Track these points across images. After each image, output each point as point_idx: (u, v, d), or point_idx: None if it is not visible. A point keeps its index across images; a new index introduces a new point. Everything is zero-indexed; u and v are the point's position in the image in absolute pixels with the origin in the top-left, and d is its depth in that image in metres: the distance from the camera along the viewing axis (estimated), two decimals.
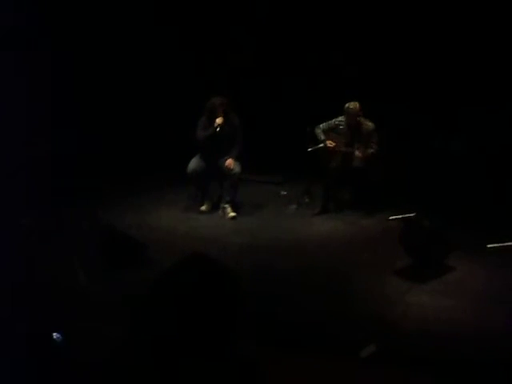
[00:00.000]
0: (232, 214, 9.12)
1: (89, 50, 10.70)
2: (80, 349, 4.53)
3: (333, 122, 9.31)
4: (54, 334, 4.55)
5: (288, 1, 10.90)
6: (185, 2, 11.04)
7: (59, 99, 10.31)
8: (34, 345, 4.54)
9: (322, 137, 9.28)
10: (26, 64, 9.92)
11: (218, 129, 8.94)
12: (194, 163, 9.17)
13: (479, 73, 9.47)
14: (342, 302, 6.48)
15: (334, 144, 9.17)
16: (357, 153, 8.97)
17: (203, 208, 9.32)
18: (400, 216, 8.75)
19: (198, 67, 11.11)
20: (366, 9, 10.28)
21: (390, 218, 8.86)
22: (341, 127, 9.23)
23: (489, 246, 7.78)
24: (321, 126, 9.35)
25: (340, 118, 9.23)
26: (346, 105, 9.05)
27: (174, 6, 10.98)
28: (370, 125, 9.07)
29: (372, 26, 10.23)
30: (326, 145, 9.20)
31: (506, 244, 7.79)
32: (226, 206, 9.18)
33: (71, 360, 4.41)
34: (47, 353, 4.50)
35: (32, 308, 5.74)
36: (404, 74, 10.01)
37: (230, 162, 9.03)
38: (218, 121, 8.96)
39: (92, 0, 10.66)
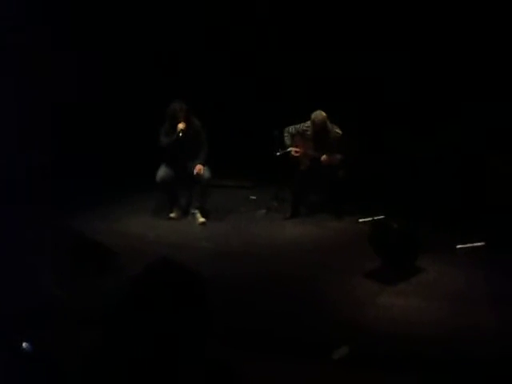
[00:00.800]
0: (201, 219, 9.09)
1: None
2: (52, 357, 4.47)
3: (300, 126, 9.30)
4: (24, 343, 4.49)
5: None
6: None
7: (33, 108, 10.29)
8: (3, 356, 4.48)
9: (289, 142, 9.27)
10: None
11: (180, 134, 8.91)
12: (162, 171, 9.13)
13: (448, 74, 9.52)
14: (314, 306, 6.46)
15: (299, 152, 9.16)
16: (323, 157, 8.98)
17: (172, 215, 9.28)
18: (370, 218, 8.78)
19: (163, 72, 11.08)
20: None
21: (360, 220, 8.89)
22: (308, 133, 9.23)
23: (458, 246, 7.82)
24: (289, 128, 9.34)
25: (308, 123, 9.22)
26: (313, 115, 9.04)
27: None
28: (338, 132, 9.07)
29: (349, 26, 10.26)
30: (290, 152, 9.20)
31: (475, 244, 7.84)
32: (196, 211, 9.16)
33: (43, 369, 4.35)
34: (16, 363, 4.44)
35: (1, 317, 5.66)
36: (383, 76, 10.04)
37: (199, 167, 9.00)
38: (180, 126, 8.94)
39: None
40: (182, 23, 11.10)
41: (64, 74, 10.52)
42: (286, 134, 9.32)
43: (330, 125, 9.04)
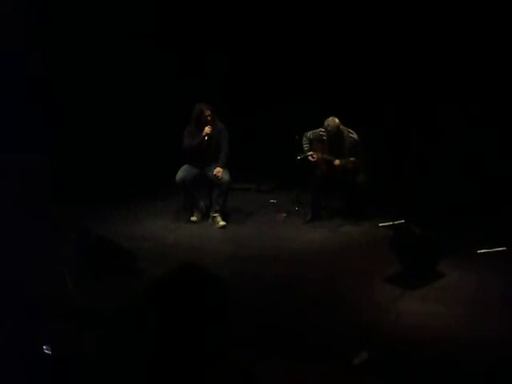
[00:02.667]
0: (222, 222, 9.09)
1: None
2: (71, 358, 4.48)
3: (318, 131, 9.27)
4: (45, 346, 4.50)
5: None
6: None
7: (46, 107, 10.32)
8: (26, 357, 4.50)
9: (307, 147, 9.26)
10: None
11: (206, 138, 8.93)
12: (182, 172, 9.13)
13: (470, 84, 9.49)
14: (334, 310, 6.45)
15: (316, 157, 9.14)
16: (336, 162, 8.96)
17: (193, 218, 9.28)
18: (390, 223, 8.75)
19: (184, 76, 11.09)
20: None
21: (380, 224, 8.85)
22: (324, 138, 9.20)
23: (479, 251, 7.78)
24: (308, 134, 9.32)
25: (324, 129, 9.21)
26: (325, 123, 9.02)
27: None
28: (353, 137, 9.04)
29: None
30: (308, 156, 9.18)
31: (496, 249, 7.80)
32: (216, 214, 9.15)
33: (63, 371, 4.37)
34: (39, 365, 4.46)
35: (22, 319, 5.69)
36: (394, 83, 10.03)
37: (218, 170, 9.00)
38: (207, 129, 8.95)
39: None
40: (206, 24, 11.12)
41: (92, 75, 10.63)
42: (304, 139, 9.30)
43: (345, 129, 9.01)
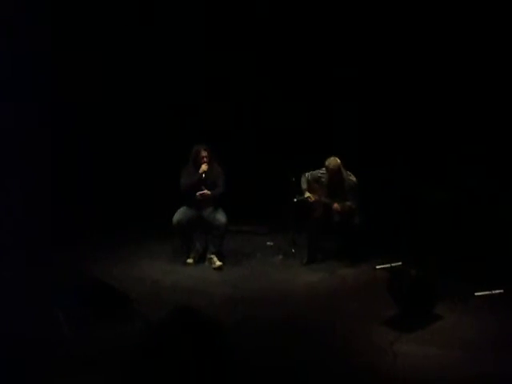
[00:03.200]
0: (218, 263, 9.09)
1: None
2: None
3: (316, 172, 9.29)
4: None
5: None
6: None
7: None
8: None
9: (305, 187, 9.28)
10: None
11: (203, 175, 8.97)
12: (179, 215, 9.15)
13: (461, 121, 9.53)
14: (330, 353, 6.42)
15: (313, 198, 9.15)
16: (335, 206, 8.96)
17: (189, 260, 9.29)
18: (387, 265, 8.74)
19: (181, 118, 11.15)
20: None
21: (377, 267, 8.85)
22: (323, 179, 9.22)
23: (476, 293, 7.77)
24: (306, 174, 9.35)
25: (323, 170, 9.21)
26: (327, 162, 9.02)
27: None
28: (352, 180, 9.06)
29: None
30: (306, 198, 9.19)
31: (494, 292, 7.78)
32: (212, 256, 9.16)
33: None
34: None
35: (15, 362, 5.66)
36: (387, 125, 10.07)
37: (206, 192, 9.04)
38: (204, 167, 9.02)
39: None
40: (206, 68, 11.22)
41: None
42: (303, 180, 9.33)
43: (344, 172, 9.03)
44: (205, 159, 9.07)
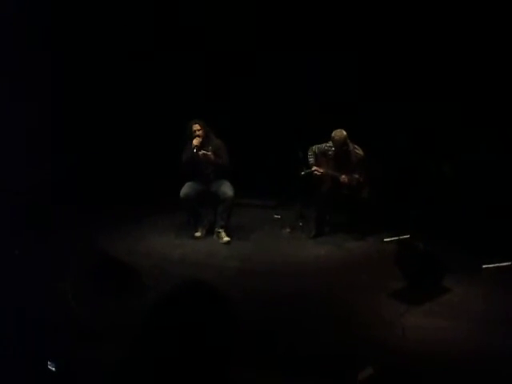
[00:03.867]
0: (226, 238, 9.09)
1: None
2: (74, 376, 4.47)
3: (323, 146, 9.26)
4: (49, 362, 4.49)
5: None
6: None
7: (54, 124, 10.34)
8: (30, 373, 4.49)
9: (312, 161, 9.25)
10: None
11: (195, 150, 8.95)
12: (186, 188, 9.15)
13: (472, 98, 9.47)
14: (339, 325, 6.43)
15: (321, 171, 9.12)
16: (342, 177, 8.93)
17: (197, 234, 9.30)
18: (395, 238, 8.73)
19: (192, 91, 11.12)
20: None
21: (385, 239, 8.84)
22: (330, 153, 9.18)
23: (484, 266, 7.76)
24: (313, 148, 9.31)
25: (329, 143, 9.16)
26: (333, 133, 8.98)
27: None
28: (359, 153, 9.01)
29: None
30: (313, 171, 9.16)
31: (502, 264, 7.78)
32: (220, 230, 9.16)
33: None
34: (43, 382, 4.46)
35: (25, 336, 5.68)
36: (394, 94, 10.01)
37: (208, 153, 9.03)
38: (194, 142, 9.02)
39: None
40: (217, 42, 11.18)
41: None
42: (310, 153, 9.30)
43: (351, 144, 8.99)
44: (197, 133, 9.05)
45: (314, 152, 9.29)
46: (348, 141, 8.95)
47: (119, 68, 10.99)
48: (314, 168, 9.14)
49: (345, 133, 8.91)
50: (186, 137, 9.16)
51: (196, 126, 9.08)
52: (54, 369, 4.45)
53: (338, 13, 10.31)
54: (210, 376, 2.22)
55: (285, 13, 10.67)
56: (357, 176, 8.86)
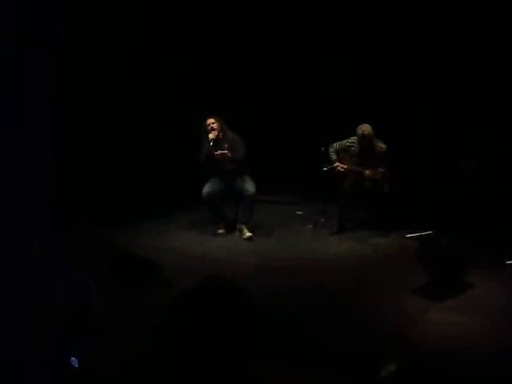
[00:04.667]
0: (248, 234, 9.11)
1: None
2: (95, 370, 4.49)
3: (345, 142, 9.22)
4: (72, 358, 4.51)
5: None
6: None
7: (68, 115, 10.35)
8: (51, 369, 4.51)
9: (334, 157, 9.22)
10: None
11: (211, 143, 8.97)
12: (207, 188, 9.18)
13: (486, 93, 9.43)
14: (361, 322, 6.42)
15: (344, 168, 9.10)
16: (367, 172, 8.89)
17: (220, 231, 9.33)
18: (417, 234, 8.70)
19: (210, 88, 11.14)
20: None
21: (408, 236, 8.81)
22: (352, 148, 9.13)
23: (507, 262, 7.72)
24: (334, 144, 9.29)
25: (352, 139, 9.13)
26: (360, 131, 8.91)
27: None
28: (382, 147, 8.95)
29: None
30: (336, 168, 9.13)
31: None
32: (242, 226, 9.18)
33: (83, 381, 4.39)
34: (65, 377, 4.48)
35: (46, 331, 5.71)
36: (415, 90, 9.99)
37: (225, 152, 9.04)
38: (211, 136, 9.05)
39: None
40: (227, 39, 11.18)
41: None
42: (331, 150, 9.27)
43: (374, 139, 8.96)
44: (212, 126, 9.09)
45: (336, 149, 9.27)
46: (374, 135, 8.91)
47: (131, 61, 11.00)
48: (337, 164, 9.12)
49: (371, 127, 8.86)
50: (202, 134, 9.18)
51: (210, 120, 9.11)
52: (76, 365, 4.47)
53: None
54: (228, 368, 2.23)
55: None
56: (381, 170, 8.81)
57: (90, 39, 10.34)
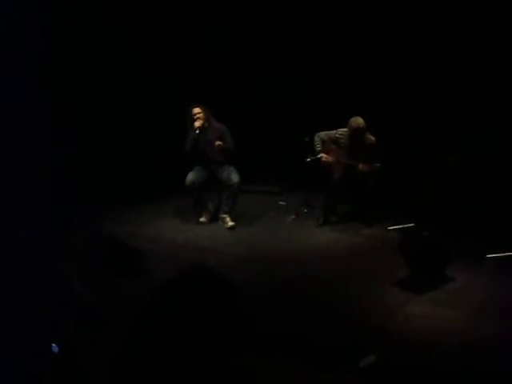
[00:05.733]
0: (231, 223, 9.12)
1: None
2: (79, 358, 4.50)
3: (333, 133, 9.16)
4: (53, 344, 4.52)
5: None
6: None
7: (57, 111, 10.34)
8: (33, 355, 4.52)
9: (319, 148, 9.18)
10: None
11: (197, 131, 9.00)
12: (191, 176, 9.16)
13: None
14: (342, 313, 6.46)
15: (327, 158, 9.09)
16: (361, 166, 8.85)
17: (202, 219, 9.32)
18: (399, 226, 8.74)
19: (195, 77, 11.14)
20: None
21: (390, 228, 8.85)
22: (342, 140, 9.10)
23: (488, 255, 7.77)
24: (321, 135, 9.22)
25: (341, 131, 9.10)
26: (354, 124, 8.85)
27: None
28: (372, 139, 8.91)
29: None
30: (320, 158, 9.12)
31: (506, 254, 7.78)
32: (225, 216, 9.19)
33: (67, 368, 4.40)
34: (46, 364, 4.49)
35: (30, 318, 5.71)
36: (400, 84, 10.03)
37: (219, 143, 9.07)
38: (196, 124, 9.08)
39: None
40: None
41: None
42: (316, 139, 9.20)
43: (366, 132, 8.93)
44: (197, 115, 9.10)
45: (322, 139, 9.21)
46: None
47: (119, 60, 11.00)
48: (323, 155, 9.10)
49: (363, 120, 8.82)
50: (187, 123, 9.18)
51: (196, 110, 9.13)
52: (57, 351, 4.48)
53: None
54: (213, 358, 2.25)
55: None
56: (377, 164, 8.78)
57: (81, 35, 10.41)
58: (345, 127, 9.04)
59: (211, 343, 2.24)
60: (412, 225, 8.65)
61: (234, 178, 9.09)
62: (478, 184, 8.84)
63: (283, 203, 10.20)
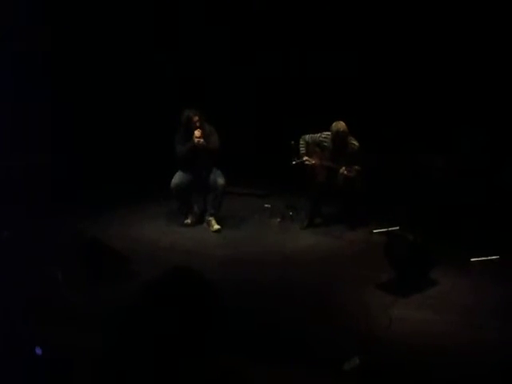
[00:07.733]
0: (216, 226, 9.10)
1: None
2: (62, 360, 4.48)
3: (317, 136, 9.17)
4: (36, 348, 4.50)
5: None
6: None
7: (43, 111, 10.33)
8: (16, 359, 4.50)
9: (303, 151, 9.18)
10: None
11: (197, 141, 8.92)
12: (177, 178, 9.13)
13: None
14: (326, 316, 6.46)
15: (312, 162, 9.09)
16: (342, 169, 8.84)
17: (187, 221, 9.30)
18: (384, 229, 8.76)
19: (179, 78, 11.12)
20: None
21: (374, 231, 8.86)
22: (325, 144, 9.11)
23: (472, 259, 7.80)
24: (306, 137, 9.22)
25: (325, 134, 9.09)
26: (335, 128, 8.84)
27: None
28: (355, 144, 8.90)
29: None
30: (303, 161, 9.12)
31: (490, 257, 7.81)
32: (211, 218, 9.17)
33: (51, 371, 4.38)
34: (32, 367, 4.47)
35: (13, 320, 5.69)
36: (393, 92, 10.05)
37: (201, 141, 8.99)
38: (197, 133, 8.95)
39: None
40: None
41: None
42: (301, 142, 9.19)
43: (348, 137, 8.93)
44: (197, 124, 9.00)
45: (307, 142, 9.21)
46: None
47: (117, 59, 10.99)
48: (305, 158, 9.11)
49: (345, 125, 8.82)
50: (180, 126, 9.11)
51: (195, 118, 8.98)
52: (40, 353, 4.46)
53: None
54: (197, 361, 2.24)
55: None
56: (357, 167, 8.77)
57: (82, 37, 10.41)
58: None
59: (192, 346, 2.23)
60: (397, 228, 8.66)
61: (220, 180, 9.07)
62: (462, 187, 8.88)
63: (268, 206, 10.19)
